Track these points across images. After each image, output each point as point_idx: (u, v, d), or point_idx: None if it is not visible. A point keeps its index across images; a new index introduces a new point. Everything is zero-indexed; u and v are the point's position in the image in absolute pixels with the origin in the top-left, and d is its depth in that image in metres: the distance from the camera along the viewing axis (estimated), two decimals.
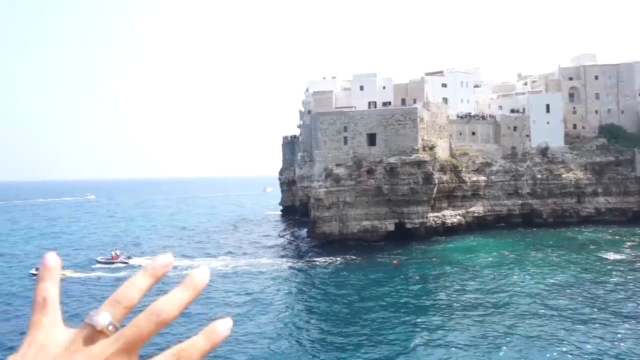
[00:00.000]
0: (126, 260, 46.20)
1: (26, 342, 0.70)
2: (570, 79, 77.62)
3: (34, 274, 36.09)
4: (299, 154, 73.34)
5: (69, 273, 40.10)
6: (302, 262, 45.41)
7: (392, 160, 53.41)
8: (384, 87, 68.57)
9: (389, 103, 66.67)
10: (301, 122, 77.66)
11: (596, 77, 76.55)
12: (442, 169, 58.66)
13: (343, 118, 56.64)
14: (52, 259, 0.78)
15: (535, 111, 71.71)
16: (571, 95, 76.85)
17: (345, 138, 56.24)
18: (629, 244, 50.39)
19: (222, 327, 0.79)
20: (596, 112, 76.08)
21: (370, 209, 54.47)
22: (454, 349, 23.40)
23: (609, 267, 39.96)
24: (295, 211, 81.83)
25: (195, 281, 0.84)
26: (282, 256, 49.12)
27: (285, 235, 65.52)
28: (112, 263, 45.44)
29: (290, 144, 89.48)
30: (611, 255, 44.29)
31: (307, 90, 78.07)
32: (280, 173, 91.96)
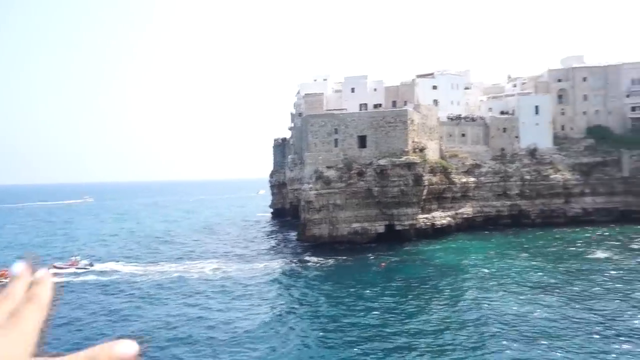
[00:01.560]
0: (86, 267, 45.12)
1: None
2: (559, 80, 78.50)
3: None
4: (289, 157, 73.45)
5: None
6: (292, 265, 45.50)
7: (382, 162, 53.68)
8: (374, 89, 68.90)
9: (380, 105, 66.97)
10: (292, 125, 77.83)
11: (584, 79, 77.49)
12: (432, 171, 59.04)
13: (334, 120, 56.83)
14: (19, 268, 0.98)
15: (525, 113, 72.40)
16: (560, 97, 77.72)
17: (336, 140, 56.44)
18: (615, 243, 51.06)
19: (123, 349, 0.81)
20: (584, 113, 76.98)
21: (361, 211, 54.68)
22: (437, 350, 23.62)
23: (595, 266, 40.47)
24: (286, 214, 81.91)
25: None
26: (272, 259, 49.15)
27: (275, 238, 65.55)
28: (69, 268, 44.25)
29: (281, 147, 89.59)
30: (598, 255, 44.87)
31: (298, 92, 78.24)
32: (271, 176, 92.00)
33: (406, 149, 54.40)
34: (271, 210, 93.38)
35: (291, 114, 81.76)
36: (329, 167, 55.52)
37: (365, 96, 68.29)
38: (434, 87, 71.48)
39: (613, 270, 39.22)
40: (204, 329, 27.62)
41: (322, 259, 46.34)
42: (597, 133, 74.96)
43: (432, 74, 73.74)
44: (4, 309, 0.93)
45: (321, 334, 26.68)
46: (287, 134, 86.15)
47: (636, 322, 26.61)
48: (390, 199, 53.55)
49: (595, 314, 28.27)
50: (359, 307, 31.24)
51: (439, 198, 60.72)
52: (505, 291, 33.88)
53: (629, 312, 28.36)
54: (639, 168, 69.72)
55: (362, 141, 55.99)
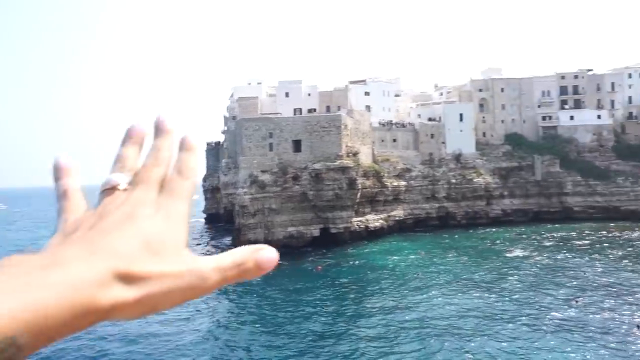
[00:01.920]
0: None
1: (58, 223, 0.73)
2: (480, 90, 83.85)
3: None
4: (223, 161, 71.96)
5: None
6: None
7: (317, 166, 54.19)
8: (309, 94, 69.49)
9: (314, 110, 67.63)
10: (226, 128, 76.35)
11: (502, 90, 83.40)
12: (365, 175, 60.55)
13: (268, 124, 56.55)
14: (62, 160, 0.80)
15: (450, 120, 76.51)
16: (481, 106, 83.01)
17: (271, 144, 56.17)
18: (529, 241, 55.32)
19: (267, 254, 0.72)
20: (502, 121, 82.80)
21: (296, 215, 54.77)
22: (380, 350, 24.17)
23: (514, 263, 43.55)
24: (220, 219, 79.99)
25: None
26: None
27: (209, 244, 63.79)
28: None
29: (214, 150, 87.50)
30: (517, 253, 48.34)
31: (232, 95, 76.96)
32: (204, 180, 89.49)
33: (340, 153, 55.35)
34: (204, 215, 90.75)
35: (224, 117, 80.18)
36: (263, 171, 55.11)
37: (299, 101, 68.67)
38: (367, 94, 73.49)
39: (530, 266, 42.44)
40: (141, 345, 26.14)
41: None
42: (514, 140, 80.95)
43: (364, 80, 75.81)
44: (154, 175, 0.77)
45: (263, 339, 26.29)
46: (221, 138, 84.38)
47: (556, 313, 28.94)
48: (325, 202, 54.16)
49: (519, 306, 30.38)
50: (299, 311, 31.19)
51: (372, 201, 62.38)
52: (437, 289, 35.42)
53: (548, 303, 30.79)
54: (549, 172, 76.23)
55: (297, 145, 56.19)
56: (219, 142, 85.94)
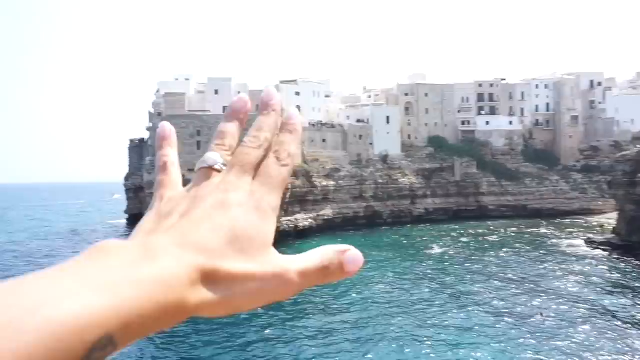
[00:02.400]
0: None
1: (154, 199, 0.72)
2: (406, 94, 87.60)
3: None
4: (147, 159, 68.79)
5: None
6: None
7: None
8: (239, 92, 68.01)
9: None
10: (151, 125, 73.07)
11: (426, 94, 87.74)
12: (295, 175, 60.87)
13: (196, 122, 55.02)
14: (167, 128, 0.79)
15: (377, 122, 79.13)
16: (407, 109, 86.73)
17: (199, 142, 54.68)
18: (449, 238, 58.80)
19: (353, 257, 0.68)
20: (426, 124, 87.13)
21: None
22: (308, 351, 24.43)
23: (433, 258, 46.07)
24: None
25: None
26: None
27: None
28: None
29: (137, 148, 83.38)
30: (435, 249, 51.14)
31: (157, 91, 73.79)
32: (126, 179, 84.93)
33: None
34: (126, 216, 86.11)
35: (149, 113, 76.68)
36: (190, 170, 53.16)
37: (229, 99, 67.01)
38: (297, 94, 73.87)
39: (449, 261, 45.12)
40: None
41: None
42: (436, 142, 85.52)
43: (295, 80, 76.14)
44: (251, 158, 0.72)
45: (185, 345, 25.53)
46: (145, 134, 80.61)
47: (472, 302, 30.99)
48: None
49: (444, 294, 32.17)
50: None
51: (302, 201, 62.89)
52: (365, 286, 36.48)
53: (466, 293, 32.90)
54: (467, 173, 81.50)
55: None
56: (143, 139, 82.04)
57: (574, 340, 24.44)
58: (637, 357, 22.18)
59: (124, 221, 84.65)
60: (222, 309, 0.60)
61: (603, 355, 22.37)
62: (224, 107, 65.64)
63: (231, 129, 0.77)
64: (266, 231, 0.66)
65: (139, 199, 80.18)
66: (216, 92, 67.24)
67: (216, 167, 0.73)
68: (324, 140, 74.48)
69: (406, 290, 35.10)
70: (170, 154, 0.78)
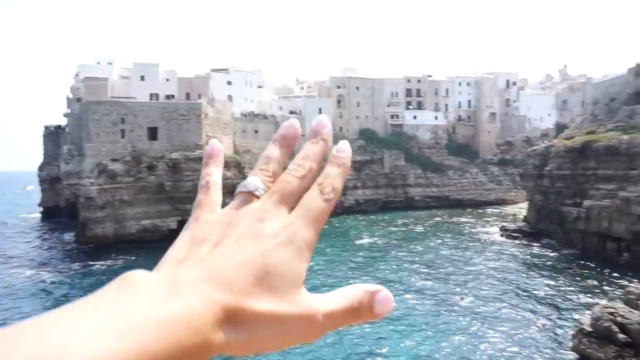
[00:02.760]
0: None
1: (191, 219, 0.71)
2: (338, 87, 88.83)
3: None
4: (65, 147, 64.06)
5: None
6: (70, 271, 39.92)
7: (175, 155, 51.69)
8: (167, 80, 65.69)
9: (173, 96, 64.25)
10: (69, 111, 67.97)
11: (357, 88, 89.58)
12: (227, 166, 59.69)
13: (120, 109, 52.03)
14: (216, 146, 0.77)
15: (310, 114, 79.47)
16: (339, 102, 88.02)
17: (123, 131, 51.84)
18: (377, 228, 60.88)
19: (385, 300, 0.64)
20: (357, 117, 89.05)
21: (151, 207, 51.62)
22: None
23: (362, 248, 47.51)
24: (60, 213, 71.12)
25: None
26: (42, 267, 42.14)
27: (47, 241, 56.41)
28: None
29: (53, 135, 77.33)
30: (364, 239, 52.71)
31: (77, 75, 68.73)
32: (41, 169, 78.48)
33: (200, 143, 53.64)
34: (41, 209, 79.61)
35: (67, 98, 71.29)
36: (114, 160, 50.66)
37: (156, 86, 64.50)
38: (229, 83, 72.26)
39: (377, 250, 46.74)
40: None
41: (109, 261, 42.03)
42: (367, 135, 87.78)
43: (227, 69, 74.36)
44: (293, 187, 0.70)
45: None
46: (62, 121, 74.89)
47: (402, 283, 32.34)
48: (183, 193, 52.01)
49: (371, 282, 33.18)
50: None
51: (233, 192, 61.73)
52: None
53: (394, 280, 34.28)
54: (396, 166, 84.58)
55: (153, 133, 52.84)
56: (60, 125, 76.22)
57: (491, 317, 26.43)
58: (543, 324, 24.48)
59: (38, 215, 78.28)
60: (246, 349, 0.58)
61: (516, 328, 24.41)
62: (151, 95, 62.80)
63: (277, 154, 0.74)
64: (298, 269, 0.64)
65: (55, 191, 74.48)
66: (142, 78, 63.95)
67: (256, 193, 0.71)
68: (256, 131, 73.64)
69: (335, 278, 35.89)
70: (214, 174, 0.77)
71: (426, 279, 35.47)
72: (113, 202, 49.60)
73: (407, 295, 31.42)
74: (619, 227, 39.76)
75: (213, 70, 71.84)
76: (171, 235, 50.15)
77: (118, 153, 51.14)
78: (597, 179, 43.56)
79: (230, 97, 70.27)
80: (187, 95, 65.75)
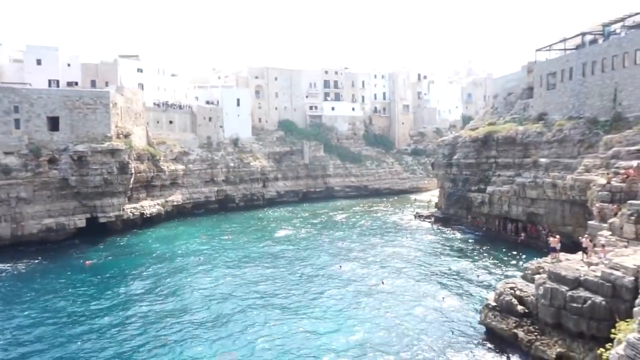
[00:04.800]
0: None
1: None
2: (256, 77, 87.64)
3: None
4: None
5: None
6: None
7: (80, 148, 47.73)
8: (68, 65, 60.20)
9: (76, 83, 59.13)
10: None
11: (276, 78, 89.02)
12: (139, 158, 56.43)
13: (13, 96, 46.84)
14: None
15: (228, 104, 77.66)
16: (257, 92, 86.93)
17: (17, 121, 46.81)
18: (298, 219, 61.29)
19: None
20: (276, 108, 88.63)
21: (54, 204, 47.31)
22: (142, 345, 23.12)
23: (282, 240, 47.58)
24: None
25: None
26: None
27: None
28: None
29: None
30: (285, 231, 52.75)
31: None
32: None
33: (109, 134, 50.05)
34: None
35: None
36: (7, 153, 45.67)
37: (56, 71, 58.85)
38: (139, 70, 68.09)
39: (299, 241, 47.04)
40: None
41: (6, 265, 37.88)
42: (286, 126, 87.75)
43: (137, 55, 69.95)
44: None
45: (27, 351, 21.91)
46: None
47: (321, 277, 32.81)
48: (91, 189, 48.30)
49: (290, 272, 33.37)
50: (67, 314, 27.15)
51: (148, 186, 58.70)
52: (219, 271, 35.83)
53: (315, 269, 34.70)
54: (315, 156, 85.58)
55: (54, 123, 48.32)
56: None
57: (409, 298, 27.82)
58: (454, 302, 26.28)
59: None
60: None
61: (431, 306, 25.92)
62: (50, 81, 57.26)
63: None
64: None
65: None
66: (39, 62, 58.00)
67: None
68: (170, 122, 70.38)
69: (256, 269, 35.61)
70: None
71: (348, 267, 36.39)
72: (8, 200, 44.74)
73: (330, 282, 32.04)
74: (516, 210, 43.80)
75: (121, 57, 67.18)
76: (80, 235, 46.25)
77: (12, 145, 46.14)
78: (498, 167, 47.52)
79: (141, 86, 66.30)
80: (93, 83, 60.94)
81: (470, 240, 45.22)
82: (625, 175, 26.63)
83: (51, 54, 58.86)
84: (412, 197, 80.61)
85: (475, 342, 22.07)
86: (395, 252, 40.93)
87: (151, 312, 27.15)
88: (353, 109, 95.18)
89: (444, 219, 54.22)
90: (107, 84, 59.68)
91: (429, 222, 55.20)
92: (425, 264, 36.57)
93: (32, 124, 47.36)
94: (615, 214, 24.98)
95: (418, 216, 58.86)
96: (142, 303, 28.78)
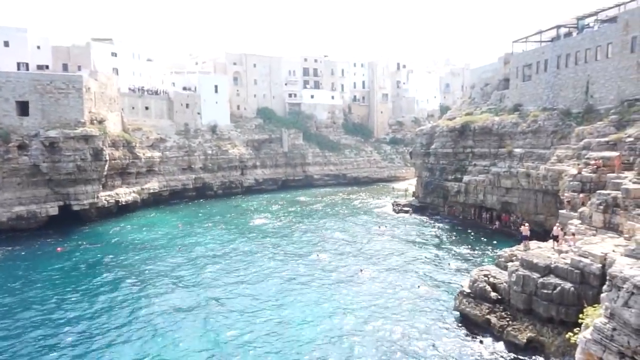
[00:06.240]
0: None
1: None
2: (235, 64, 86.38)
3: None
4: None
5: None
6: None
7: (52, 134, 46.37)
8: (38, 47, 58.15)
9: (47, 67, 57.22)
10: None
11: (254, 65, 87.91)
12: (114, 145, 55.20)
13: None
14: None
15: (205, 91, 76.44)
16: (235, 79, 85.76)
17: None
18: (276, 207, 61.16)
19: None
20: (255, 95, 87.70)
21: (25, 192, 45.99)
22: (127, 334, 22.89)
23: (261, 228, 47.50)
24: None
25: None
26: None
27: None
28: None
29: None
30: (262, 219, 52.55)
31: None
32: None
33: (82, 120, 48.73)
34: None
35: None
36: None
37: (25, 54, 56.83)
38: (114, 54, 66.29)
39: (276, 230, 47.02)
40: None
41: None
42: (265, 114, 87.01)
43: (110, 39, 68.00)
44: None
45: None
46: None
47: (301, 266, 32.92)
48: (64, 176, 47.08)
49: (267, 259, 33.40)
50: (38, 302, 26.58)
51: (123, 173, 57.56)
52: (192, 261, 35.57)
53: (289, 259, 34.79)
54: (295, 144, 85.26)
55: (23, 108, 46.74)
56: None
57: (388, 285, 28.23)
58: (430, 289, 26.82)
59: None
60: None
61: (408, 295, 26.37)
62: (19, 64, 55.25)
63: None
64: None
65: None
66: (6, 44, 55.85)
67: None
68: (147, 108, 68.95)
69: (233, 257, 35.52)
70: None
71: (326, 256, 36.61)
72: None
73: (307, 271, 32.20)
74: (491, 199, 44.71)
75: (94, 40, 65.20)
76: (53, 223, 45.22)
77: None
78: (474, 156, 48.29)
79: (115, 70, 64.62)
80: (65, 67, 59.05)
81: (446, 229, 45.99)
82: (596, 166, 27.41)
83: (20, 36, 56.73)
84: (390, 185, 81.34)
85: (450, 327, 22.59)
86: (373, 241, 41.35)
87: (124, 300, 26.83)
88: (332, 98, 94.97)
89: (421, 208, 54.95)
90: (79, 68, 57.95)
91: (406, 210, 55.85)
92: (403, 253, 37.07)
93: (1, 108, 45.73)
94: (583, 203, 25.78)
95: (396, 205, 59.47)
96: (116, 291, 28.40)
